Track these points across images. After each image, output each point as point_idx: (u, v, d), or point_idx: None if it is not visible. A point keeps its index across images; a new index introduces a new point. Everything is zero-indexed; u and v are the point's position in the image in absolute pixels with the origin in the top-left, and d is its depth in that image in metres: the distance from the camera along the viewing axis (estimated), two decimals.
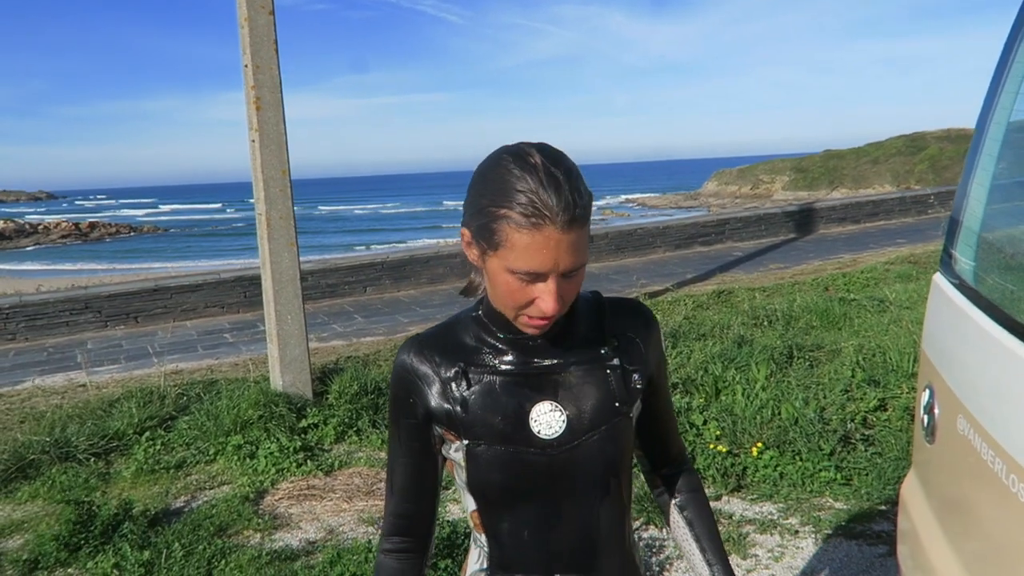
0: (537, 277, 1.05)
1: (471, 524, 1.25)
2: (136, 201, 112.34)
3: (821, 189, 41.94)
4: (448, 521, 3.47)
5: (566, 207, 1.02)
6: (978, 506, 1.54)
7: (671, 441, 1.37)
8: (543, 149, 1.07)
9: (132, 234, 57.87)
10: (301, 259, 5.43)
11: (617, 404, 1.19)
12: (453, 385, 1.17)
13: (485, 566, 1.23)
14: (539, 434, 1.16)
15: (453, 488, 3.94)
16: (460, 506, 3.84)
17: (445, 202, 78.52)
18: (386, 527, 1.27)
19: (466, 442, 1.17)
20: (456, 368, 1.17)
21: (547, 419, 1.16)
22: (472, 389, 1.17)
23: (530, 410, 1.16)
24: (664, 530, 3.53)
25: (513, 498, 1.18)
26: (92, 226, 58.26)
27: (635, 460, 1.38)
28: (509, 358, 1.18)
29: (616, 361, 1.20)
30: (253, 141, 5.08)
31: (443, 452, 1.23)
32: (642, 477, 1.42)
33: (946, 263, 1.90)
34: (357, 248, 35.67)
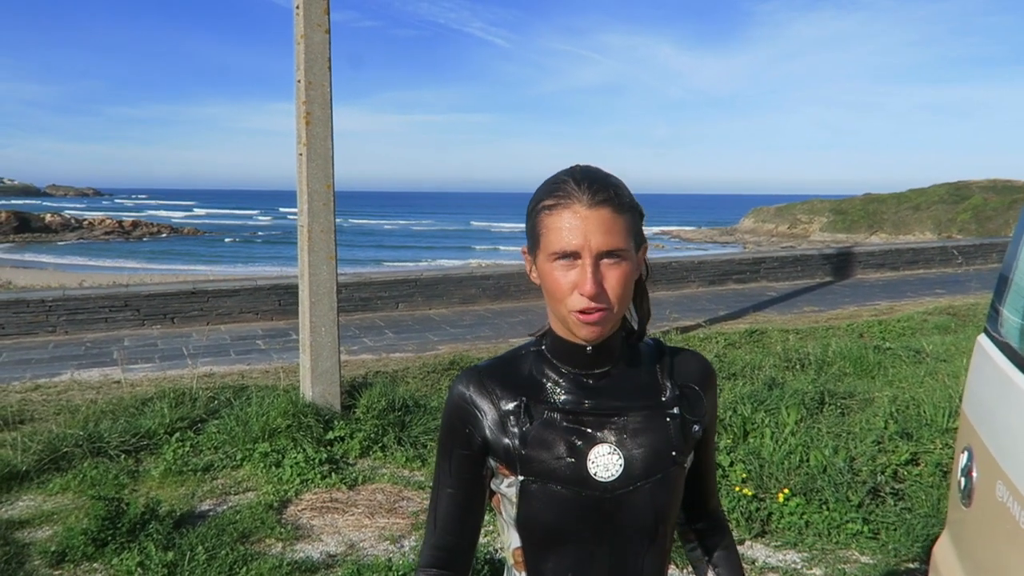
0: (573, 258, 1.10)
1: (509, 561, 1.24)
2: (175, 203, 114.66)
3: (860, 232, 41.44)
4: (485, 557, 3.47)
5: (591, 187, 1.10)
6: (1014, 574, 1.52)
7: (710, 496, 1.37)
8: (583, 165, 1.16)
9: (172, 235, 59.06)
10: (339, 272, 5.50)
11: (674, 453, 1.19)
12: (513, 419, 1.17)
13: None
14: (595, 476, 1.16)
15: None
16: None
17: (473, 222, 79.11)
18: (424, 559, 1.25)
19: (521, 478, 1.17)
20: (517, 402, 1.18)
21: (605, 461, 1.16)
22: (532, 425, 1.17)
23: (588, 451, 1.16)
24: (684, 570, 3.49)
25: (561, 538, 1.17)
26: (135, 224, 59.60)
27: None
28: (571, 396, 1.18)
29: (676, 410, 1.21)
30: (301, 155, 5.19)
31: (492, 486, 1.23)
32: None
33: (992, 320, 1.88)
34: (387, 263, 35.97)
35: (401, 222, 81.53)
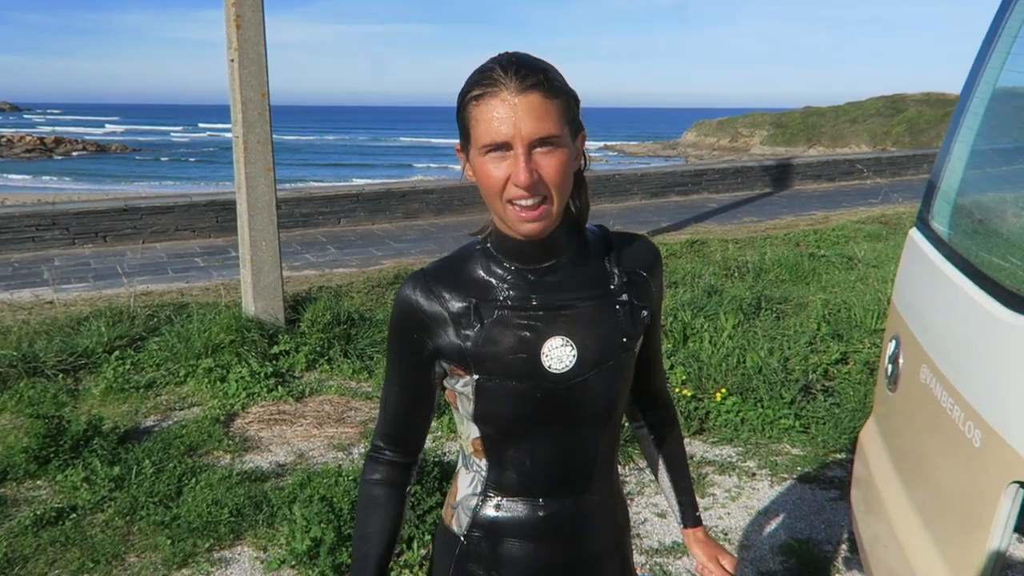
0: (505, 149, 1.06)
1: (468, 450, 1.26)
2: (95, 119, 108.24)
3: (799, 145, 42.06)
4: None
5: (518, 71, 1.05)
6: (934, 452, 1.62)
7: (656, 376, 1.41)
8: (509, 52, 1.11)
9: (99, 152, 56.31)
10: (277, 187, 5.36)
11: (625, 340, 1.21)
12: (463, 320, 1.16)
13: (479, 490, 1.25)
14: (550, 368, 1.17)
15: None
16: (430, 437, 3.92)
17: (401, 138, 77.10)
18: (376, 440, 1.30)
19: (476, 377, 1.17)
20: (466, 303, 1.17)
21: (558, 353, 1.17)
22: (483, 325, 1.16)
23: (541, 345, 1.16)
24: (627, 467, 3.64)
25: (519, 428, 1.20)
26: (58, 141, 56.59)
27: None
28: (520, 292, 1.17)
29: (625, 297, 1.22)
30: (232, 61, 4.95)
31: (445, 384, 1.24)
32: None
33: (924, 219, 1.94)
34: (331, 180, 35.09)
35: (334, 138, 78.82)
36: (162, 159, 52.91)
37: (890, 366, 1.88)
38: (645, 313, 1.24)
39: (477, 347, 1.16)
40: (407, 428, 1.28)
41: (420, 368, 1.21)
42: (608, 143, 65.09)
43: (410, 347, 1.20)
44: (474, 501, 1.26)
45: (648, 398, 1.42)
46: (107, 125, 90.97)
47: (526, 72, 1.05)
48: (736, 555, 2.92)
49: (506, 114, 1.04)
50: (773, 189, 12.24)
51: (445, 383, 1.23)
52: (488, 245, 1.19)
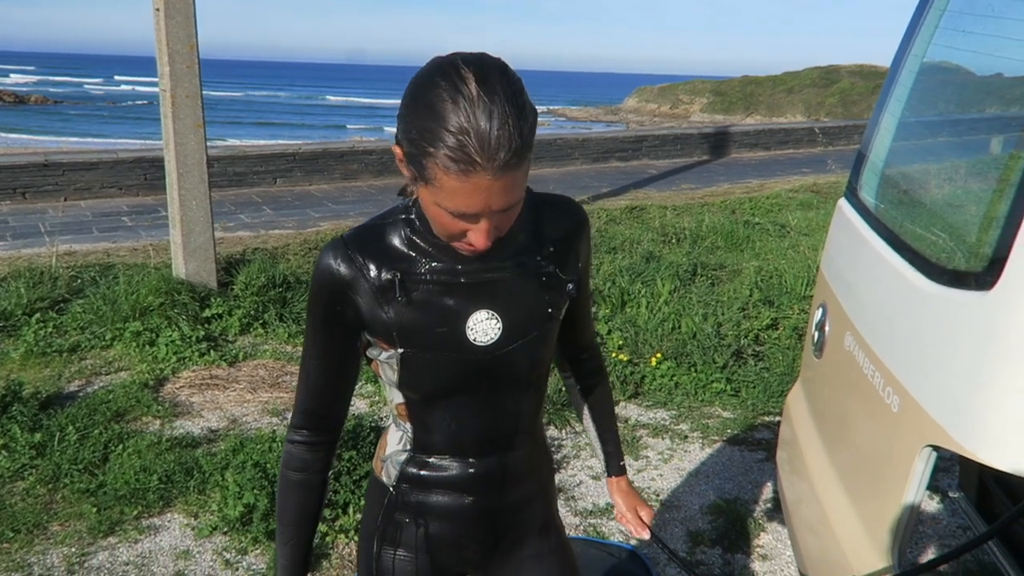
0: (469, 217, 1.01)
1: (394, 413, 1.27)
2: (13, 68, 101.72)
3: (737, 114, 42.68)
4: (354, 414, 3.51)
5: (499, 149, 0.94)
6: (855, 415, 1.68)
7: (585, 330, 1.42)
8: (481, 70, 0.96)
9: (17, 104, 53.36)
10: (208, 144, 5.17)
11: (550, 310, 1.21)
12: (388, 294, 1.13)
13: (408, 447, 1.27)
14: (475, 341, 1.16)
15: (362, 383, 3.97)
16: (368, 401, 3.89)
17: (328, 96, 74.86)
18: (296, 420, 1.25)
19: (401, 350, 1.15)
20: (390, 275, 1.12)
21: (483, 327, 1.16)
22: (408, 298, 1.13)
23: (467, 318, 1.15)
24: (563, 430, 3.69)
25: (444, 395, 1.20)
26: None
27: None
28: (446, 265, 1.14)
29: (552, 268, 1.21)
30: (158, 10, 4.72)
31: (369, 354, 1.22)
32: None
33: (852, 189, 1.99)
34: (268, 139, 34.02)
35: (263, 94, 76.12)
36: (79, 113, 50.09)
37: (816, 333, 1.93)
38: (571, 286, 1.24)
39: (402, 320, 1.13)
40: (330, 403, 1.24)
41: (343, 339, 1.17)
42: (551, 107, 64.87)
43: (332, 317, 1.15)
44: (402, 457, 1.28)
45: (576, 350, 1.44)
46: (12, 75, 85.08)
47: (505, 148, 0.94)
48: (657, 510, 3.00)
49: (479, 195, 0.97)
50: (711, 157, 12.41)
51: (368, 352, 1.21)
52: (413, 216, 1.14)
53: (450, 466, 1.25)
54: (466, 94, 0.94)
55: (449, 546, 1.30)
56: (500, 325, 1.17)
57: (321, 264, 1.13)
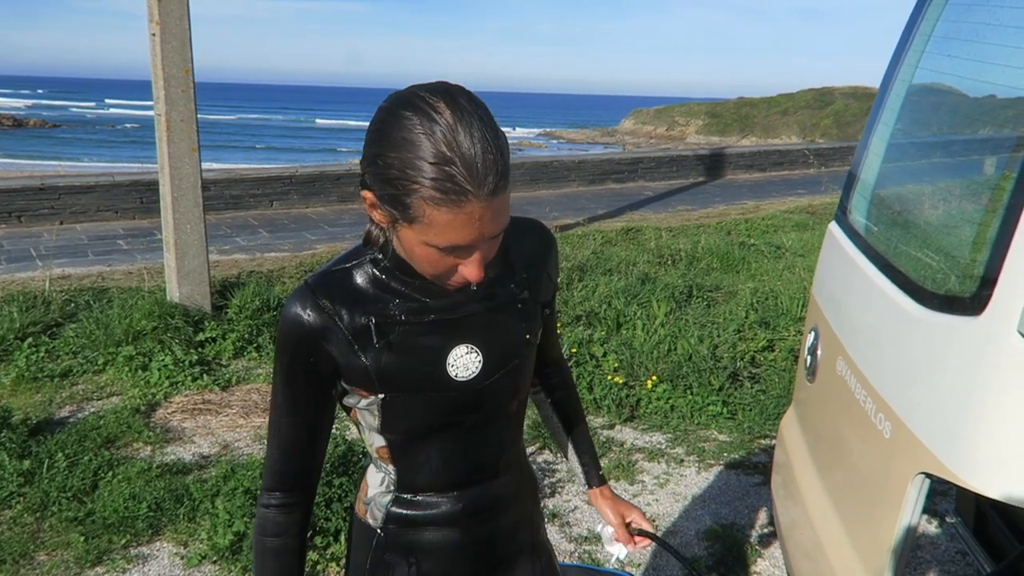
0: (460, 250, 0.98)
1: (374, 455, 1.24)
2: (5, 91, 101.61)
3: (732, 135, 42.94)
4: (344, 439, 3.48)
5: (488, 174, 0.91)
6: (847, 440, 1.67)
7: (552, 348, 1.43)
8: (450, 98, 0.93)
9: (15, 127, 53.57)
10: (204, 167, 5.18)
11: (528, 336, 1.21)
12: (362, 340, 1.09)
13: (392, 488, 1.23)
14: (456, 377, 1.14)
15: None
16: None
17: (318, 120, 74.81)
18: (268, 482, 1.18)
19: (381, 396, 1.12)
20: (364, 320, 1.08)
21: (464, 362, 1.14)
22: (387, 342, 1.09)
23: (447, 355, 1.13)
24: (557, 455, 3.65)
25: (427, 435, 1.17)
26: None
27: None
28: (421, 305, 1.10)
29: (526, 294, 1.20)
30: (153, 35, 4.74)
31: (345, 402, 1.18)
32: None
33: (841, 213, 1.98)
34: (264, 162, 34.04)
35: (278, 117, 76.43)
36: (77, 136, 50.05)
37: (809, 357, 1.92)
38: (547, 311, 1.25)
39: (380, 365, 1.10)
40: (304, 461, 1.17)
41: (317, 391, 1.12)
42: (548, 129, 65.24)
43: (304, 369, 1.10)
44: (386, 499, 1.24)
45: (543, 364, 1.43)
46: (5, 99, 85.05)
47: (492, 172, 0.92)
48: None
49: (472, 223, 0.94)
50: (707, 178, 12.45)
51: (345, 401, 1.17)
52: (379, 255, 1.10)
53: (437, 502, 1.23)
54: (442, 123, 0.91)
55: None
56: (480, 358, 1.15)
57: (288, 314, 1.08)
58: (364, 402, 1.14)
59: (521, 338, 1.19)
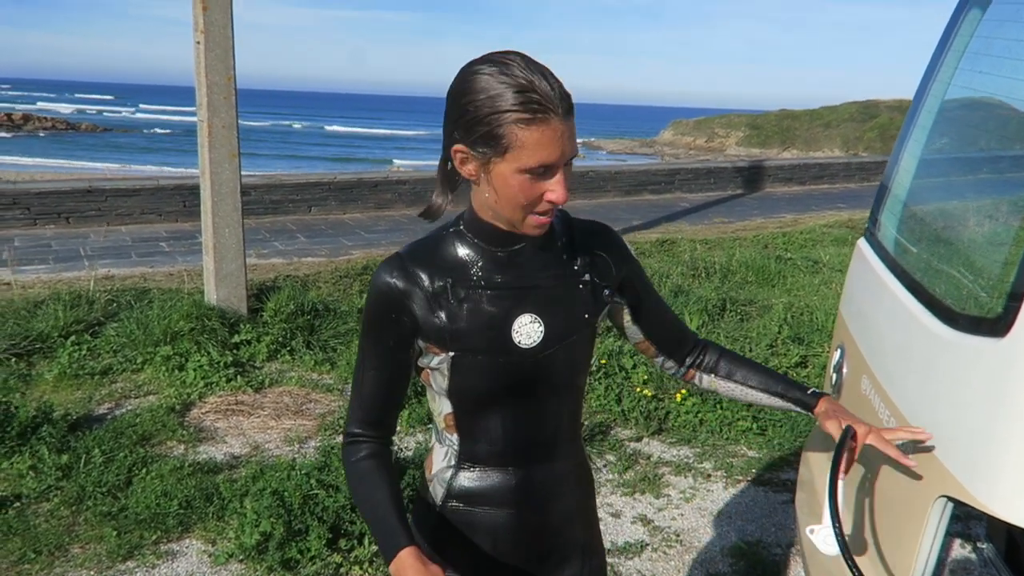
0: (547, 170, 1.12)
1: (440, 426, 1.33)
2: (47, 95, 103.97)
3: (773, 148, 42.43)
4: None
5: (562, 96, 1.10)
6: (870, 460, 1.64)
7: (674, 325, 1.47)
8: (515, 54, 1.13)
9: (68, 130, 55.18)
10: (244, 172, 5.29)
11: (587, 316, 1.30)
12: (440, 300, 1.22)
13: (453, 463, 1.32)
14: (520, 344, 1.25)
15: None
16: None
17: (376, 129, 75.19)
18: (351, 425, 1.31)
19: (452, 354, 1.23)
20: (443, 283, 1.22)
21: (527, 330, 1.25)
22: (459, 304, 1.22)
23: (512, 321, 1.24)
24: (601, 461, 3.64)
25: (491, 401, 1.27)
26: (26, 118, 55.42)
27: (643, 352, 1.48)
28: (493, 273, 1.24)
29: (587, 276, 1.30)
30: (198, 43, 4.86)
31: (419, 363, 1.29)
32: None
33: (871, 229, 1.96)
34: (302, 167, 34.44)
35: (319, 124, 77.24)
36: (145, 131, 50.80)
37: (834, 375, 1.89)
38: (607, 291, 1.32)
39: (453, 324, 1.22)
40: (382, 412, 1.31)
41: (398, 349, 1.25)
42: (587, 139, 65.18)
43: (389, 328, 1.24)
44: (448, 473, 1.33)
45: (677, 346, 1.46)
46: (39, 103, 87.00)
47: (565, 95, 1.11)
48: (676, 551, 2.93)
49: (557, 140, 1.10)
50: (745, 190, 12.33)
51: (420, 362, 1.29)
52: (462, 228, 1.25)
53: (494, 477, 1.31)
54: (515, 67, 1.10)
55: (493, 565, 1.34)
56: (542, 328, 1.25)
57: (378, 279, 1.24)
58: (436, 360, 1.25)
59: (581, 316, 1.29)
